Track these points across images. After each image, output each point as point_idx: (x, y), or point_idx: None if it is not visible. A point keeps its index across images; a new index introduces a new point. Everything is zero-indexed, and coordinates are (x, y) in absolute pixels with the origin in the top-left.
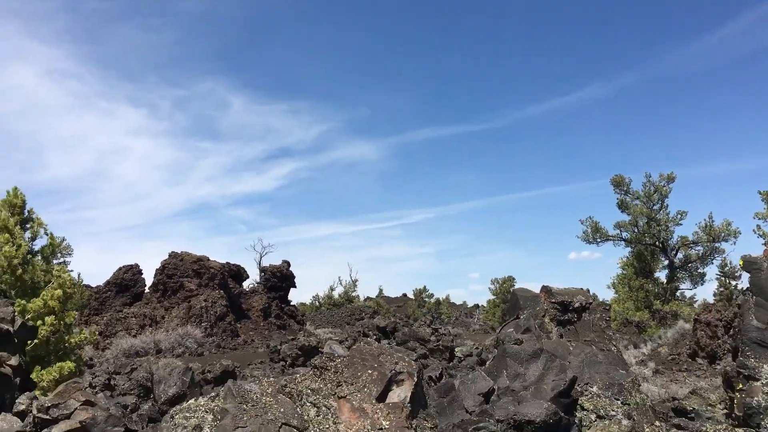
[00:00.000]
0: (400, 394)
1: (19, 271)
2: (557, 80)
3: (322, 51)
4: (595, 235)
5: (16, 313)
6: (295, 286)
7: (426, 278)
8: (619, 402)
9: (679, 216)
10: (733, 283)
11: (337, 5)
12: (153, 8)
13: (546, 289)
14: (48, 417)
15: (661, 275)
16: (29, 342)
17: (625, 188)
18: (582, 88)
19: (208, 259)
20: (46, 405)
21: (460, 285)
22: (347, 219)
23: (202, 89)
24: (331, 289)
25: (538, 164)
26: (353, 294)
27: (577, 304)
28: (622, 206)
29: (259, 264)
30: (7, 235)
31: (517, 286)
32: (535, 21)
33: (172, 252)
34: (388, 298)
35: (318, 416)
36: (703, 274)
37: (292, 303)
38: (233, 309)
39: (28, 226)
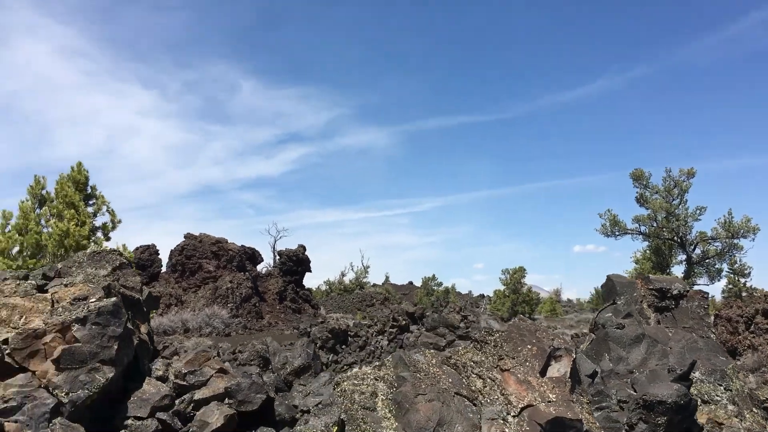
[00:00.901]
0: (559, 369)
1: (89, 248)
2: (568, 72)
3: (335, 37)
4: (614, 228)
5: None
6: (310, 271)
7: (432, 267)
8: (722, 388)
9: (698, 211)
10: (743, 280)
11: None
12: None
13: (643, 276)
14: (185, 383)
15: (677, 270)
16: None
17: (644, 182)
18: (593, 81)
19: (227, 242)
20: (183, 371)
21: (464, 275)
22: (355, 205)
23: (214, 72)
24: (342, 274)
25: (546, 156)
26: (364, 280)
27: (675, 291)
28: (641, 200)
29: (273, 248)
30: (72, 211)
31: (527, 276)
32: (546, 13)
33: (188, 233)
34: (395, 286)
35: (485, 387)
36: (720, 270)
37: (306, 287)
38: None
39: (91, 202)
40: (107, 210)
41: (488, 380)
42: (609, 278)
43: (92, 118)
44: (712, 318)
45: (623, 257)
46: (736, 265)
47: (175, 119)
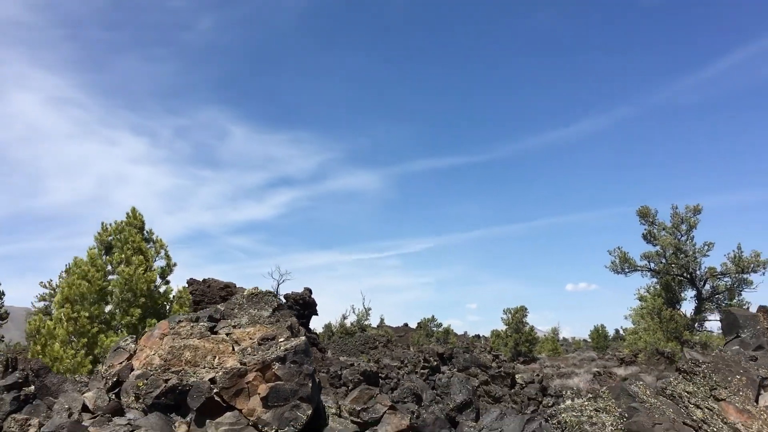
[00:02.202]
0: None
1: (156, 294)
2: (554, 114)
3: (324, 83)
4: (623, 265)
5: None
6: (317, 314)
7: (424, 308)
8: None
9: (706, 247)
10: None
11: (339, 40)
12: (156, 39)
13: (764, 309)
14: (359, 420)
15: (687, 306)
16: None
17: (651, 219)
18: (578, 122)
19: (235, 286)
20: (357, 408)
21: (458, 315)
22: (346, 248)
23: (203, 118)
24: (344, 317)
25: (535, 196)
26: (365, 323)
27: None
28: (649, 237)
29: (277, 291)
30: (141, 257)
31: (528, 316)
32: (531, 58)
33: (191, 279)
34: (391, 328)
35: (705, 416)
36: (730, 305)
37: (313, 330)
38: None
39: (149, 246)
40: (165, 254)
41: (706, 410)
42: (730, 312)
43: (83, 165)
44: None
45: (616, 295)
46: (735, 300)
47: (166, 165)
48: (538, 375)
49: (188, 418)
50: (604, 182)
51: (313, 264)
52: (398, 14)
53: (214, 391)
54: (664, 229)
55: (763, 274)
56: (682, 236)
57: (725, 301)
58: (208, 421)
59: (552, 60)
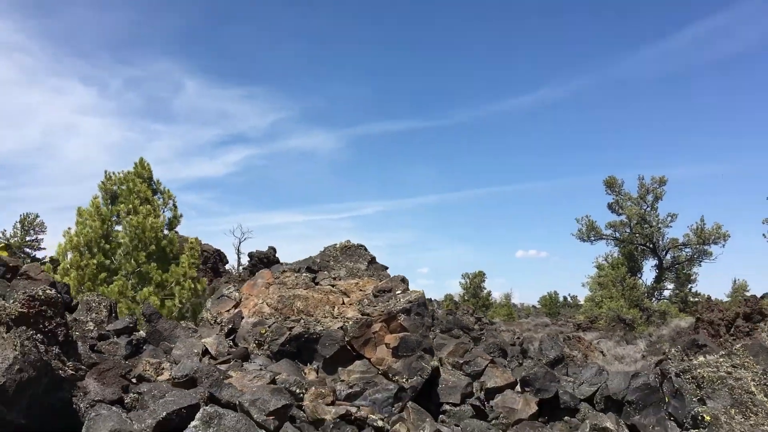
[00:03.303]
0: None
1: (164, 242)
2: (510, 82)
3: (282, 39)
4: (590, 233)
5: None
6: None
7: None
8: None
9: (669, 218)
10: (689, 286)
11: None
12: None
13: None
14: (462, 372)
15: (648, 275)
16: None
17: (617, 189)
18: (535, 91)
19: (201, 242)
20: (459, 362)
21: (410, 279)
22: (299, 209)
23: (156, 70)
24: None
25: (488, 163)
26: None
27: None
28: (615, 207)
29: (238, 249)
30: (149, 206)
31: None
32: (491, 24)
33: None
34: None
35: None
36: (689, 275)
37: None
38: None
39: (157, 197)
40: (173, 205)
41: None
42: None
43: (29, 114)
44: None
45: (565, 263)
46: (683, 271)
47: (116, 117)
48: (518, 338)
49: (315, 366)
50: (558, 152)
51: (266, 224)
52: None
53: (346, 340)
54: (629, 200)
55: (723, 246)
56: (647, 207)
57: (684, 271)
58: (340, 369)
59: (513, 26)
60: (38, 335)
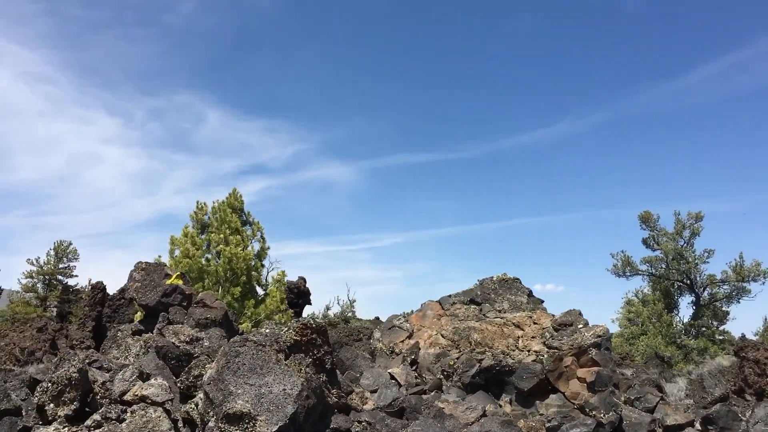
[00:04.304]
0: None
1: (254, 273)
2: (529, 116)
3: (303, 71)
4: (625, 268)
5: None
6: (310, 303)
7: (393, 302)
8: None
9: (706, 254)
10: (714, 323)
11: (321, 28)
12: (137, 19)
13: None
14: (634, 408)
15: (685, 312)
16: None
17: (652, 224)
18: (553, 125)
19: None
20: (631, 398)
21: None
22: (318, 239)
23: (179, 101)
24: (327, 308)
25: (506, 197)
26: (349, 314)
27: None
28: (650, 242)
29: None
30: (239, 237)
31: None
32: (512, 57)
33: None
34: (359, 320)
35: None
36: (727, 313)
37: None
38: None
39: (246, 228)
40: (261, 236)
41: None
42: None
43: (54, 144)
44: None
45: (581, 297)
46: (721, 309)
47: (139, 147)
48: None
49: (508, 398)
50: (576, 185)
51: (285, 253)
52: (382, 6)
53: (544, 373)
54: (665, 235)
55: (763, 283)
56: (683, 242)
57: (722, 308)
58: (537, 402)
59: (531, 62)
60: (312, 362)
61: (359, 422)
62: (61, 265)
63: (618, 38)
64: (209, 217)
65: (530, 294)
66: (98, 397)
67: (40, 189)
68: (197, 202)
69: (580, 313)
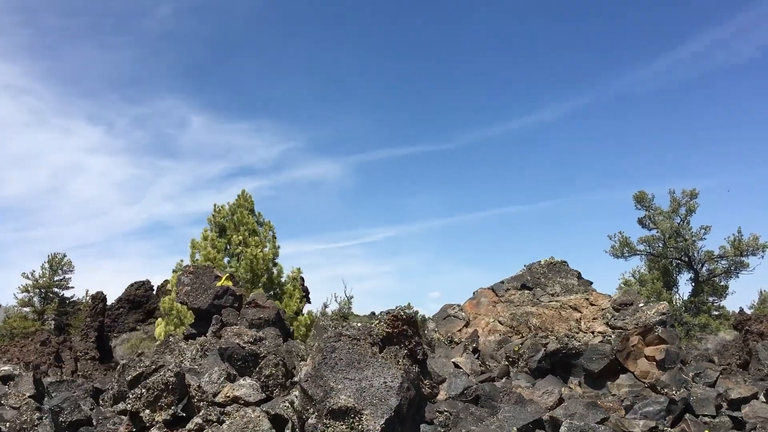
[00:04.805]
0: None
1: (274, 273)
2: (511, 104)
3: (286, 71)
4: (623, 249)
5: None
6: (310, 302)
7: (387, 297)
8: None
9: (703, 231)
10: (710, 299)
11: (301, 28)
12: (114, 26)
13: None
14: (695, 383)
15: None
16: None
17: (647, 204)
18: (535, 111)
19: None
20: (691, 374)
21: (419, 304)
22: (309, 237)
23: (162, 107)
24: (325, 305)
25: (494, 184)
26: (347, 311)
27: None
28: (646, 222)
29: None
30: (257, 237)
31: None
32: (488, 48)
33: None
34: (358, 317)
35: None
36: (726, 288)
37: None
38: None
39: (260, 228)
40: (272, 236)
41: None
42: None
43: (37, 156)
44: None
45: None
46: (720, 284)
47: (124, 155)
48: None
49: (577, 380)
50: (561, 171)
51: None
52: (359, 2)
53: (613, 354)
54: (661, 214)
55: (762, 257)
56: (680, 220)
57: (721, 283)
58: (609, 383)
59: (509, 51)
60: (406, 354)
61: (440, 412)
62: (56, 278)
63: (594, 23)
64: (226, 220)
65: (579, 276)
66: (195, 400)
67: (26, 203)
68: (215, 205)
69: (639, 292)
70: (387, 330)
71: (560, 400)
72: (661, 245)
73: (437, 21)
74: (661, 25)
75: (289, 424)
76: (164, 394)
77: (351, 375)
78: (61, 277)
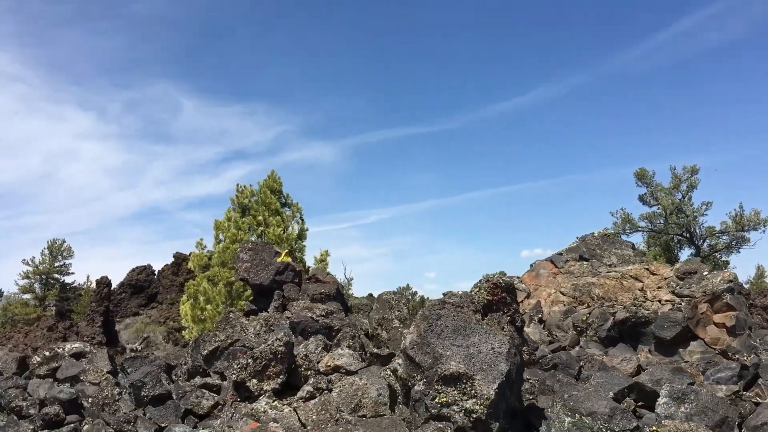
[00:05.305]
0: None
1: (297, 253)
2: (508, 83)
3: (278, 54)
4: (625, 225)
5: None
6: None
7: (383, 278)
8: None
9: (704, 207)
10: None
11: (291, 11)
12: (103, 12)
13: None
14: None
15: None
16: None
17: (648, 180)
18: (529, 91)
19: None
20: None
21: (416, 284)
22: (305, 220)
23: (154, 92)
24: None
25: (489, 165)
26: (348, 292)
27: None
28: (647, 198)
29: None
30: (279, 218)
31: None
32: (481, 27)
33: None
34: (357, 299)
35: None
36: (727, 263)
37: None
38: None
39: (286, 210)
40: (300, 217)
41: None
42: None
43: (29, 143)
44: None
45: None
46: (721, 259)
47: (116, 141)
48: None
49: (647, 348)
50: (558, 150)
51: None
52: None
53: (684, 322)
54: (661, 190)
55: (763, 232)
56: (681, 196)
57: (722, 259)
58: (680, 350)
59: (503, 31)
60: (508, 321)
61: (527, 380)
62: (56, 264)
63: (588, 2)
64: (249, 201)
65: (633, 247)
66: (302, 369)
67: (18, 189)
68: (237, 185)
69: (702, 261)
70: (487, 297)
71: (639, 368)
72: (662, 221)
73: (431, 1)
74: (657, 2)
75: (386, 391)
76: (272, 364)
77: (458, 342)
78: (62, 263)
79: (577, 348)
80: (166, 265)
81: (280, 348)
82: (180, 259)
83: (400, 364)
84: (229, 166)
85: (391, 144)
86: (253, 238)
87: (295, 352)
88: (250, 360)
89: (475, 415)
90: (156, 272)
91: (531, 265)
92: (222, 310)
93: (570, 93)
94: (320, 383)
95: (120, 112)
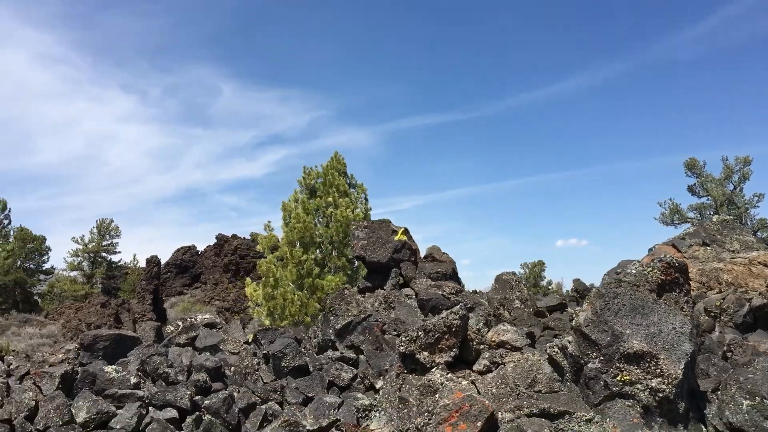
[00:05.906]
0: None
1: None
2: (544, 71)
3: (315, 40)
4: (673, 216)
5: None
6: None
7: None
8: None
9: (755, 198)
10: None
11: None
12: None
13: None
14: None
15: None
16: None
17: (698, 171)
18: (569, 78)
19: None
20: None
21: None
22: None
23: (193, 76)
24: None
25: (526, 152)
26: None
27: None
28: (697, 189)
29: None
30: (347, 199)
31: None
32: (525, 12)
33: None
34: None
35: None
36: None
37: None
38: None
39: (352, 190)
40: (365, 198)
41: None
42: None
43: (72, 124)
44: None
45: (604, 250)
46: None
47: (156, 124)
48: None
49: None
50: (595, 139)
51: None
52: None
53: None
54: (712, 181)
55: None
56: (733, 187)
57: None
58: None
59: (541, 18)
60: (686, 301)
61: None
62: (104, 243)
63: None
64: (315, 182)
65: (755, 233)
66: (473, 343)
67: (61, 170)
68: (304, 168)
69: None
70: (661, 277)
71: None
72: (712, 212)
73: None
74: None
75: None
76: (446, 337)
77: (637, 320)
78: (109, 242)
79: (717, 333)
80: (209, 246)
81: (456, 321)
82: (222, 241)
83: (570, 341)
84: (266, 150)
85: (427, 130)
86: (319, 220)
87: (472, 325)
88: (421, 332)
89: (661, 395)
90: (199, 252)
91: (649, 249)
92: (291, 291)
93: (607, 82)
94: (495, 357)
95: (160, 96)
